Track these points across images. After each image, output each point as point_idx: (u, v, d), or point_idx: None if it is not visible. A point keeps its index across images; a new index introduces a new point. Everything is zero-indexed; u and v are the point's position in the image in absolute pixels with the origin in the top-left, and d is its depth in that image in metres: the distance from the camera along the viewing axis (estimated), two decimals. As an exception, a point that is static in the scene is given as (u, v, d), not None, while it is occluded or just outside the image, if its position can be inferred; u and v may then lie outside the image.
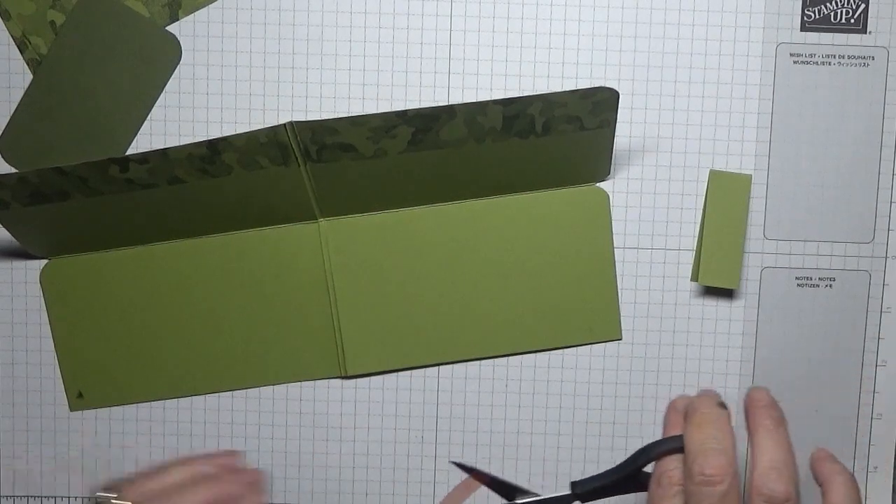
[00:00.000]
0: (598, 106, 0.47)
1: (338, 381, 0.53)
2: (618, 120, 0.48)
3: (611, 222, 0.52)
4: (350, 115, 0.47)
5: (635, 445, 0.51)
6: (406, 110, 0.46)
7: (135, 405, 0.53)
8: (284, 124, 0.46)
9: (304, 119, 0.47)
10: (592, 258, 0.52)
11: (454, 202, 0.51)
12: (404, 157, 0.48)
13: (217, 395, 0.53)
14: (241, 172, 0.48)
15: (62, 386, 0.53)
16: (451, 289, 0.52)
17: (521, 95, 0.48)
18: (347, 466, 0.54)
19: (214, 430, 0.54)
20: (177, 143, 0.52)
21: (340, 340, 0.52)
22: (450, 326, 0.52)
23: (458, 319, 0.52)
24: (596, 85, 0.51)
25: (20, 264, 0.53)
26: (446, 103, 0.51)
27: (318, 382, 0.53)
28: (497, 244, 0.51)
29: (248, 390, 0.53)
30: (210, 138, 0.46)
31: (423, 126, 0.47)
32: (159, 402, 0.53)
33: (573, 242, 0.52)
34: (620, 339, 0.52)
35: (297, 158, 0.48)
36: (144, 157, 0.47)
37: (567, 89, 0.48)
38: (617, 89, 0.47)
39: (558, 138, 0.48)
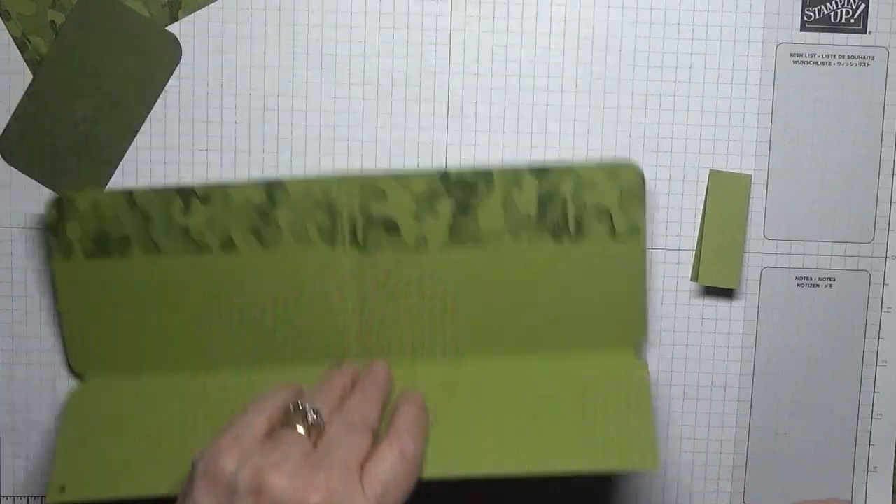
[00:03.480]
0: (626, 194, 0.49)
1: (338, 381, 0.53)
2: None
3: (653, 406, 0.48)
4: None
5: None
6: (448, 172, 0.49)
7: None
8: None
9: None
10: (631, 444, 0.47)
11: (480, 358, 0.50)
12: (444, 258, 0.49)
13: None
14: (290, 245, 0.49)
15: (62, 386, 0.53)
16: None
17: (552, 164, 0.49)
18: (347, 466, 0.53)
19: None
20: (176, 144, 0.52)
21: None
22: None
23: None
24: (595, 85, 0.51)
25: (20, 264, 0.53)
26: (446, 105, 0.52)
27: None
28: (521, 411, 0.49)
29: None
30: (267, 180, 0.47)
31: (462, 199, 0.49)
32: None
33: (609, 423, 0.48)
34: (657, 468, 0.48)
35: (343, 236, 0.49)
36: (207, 194, 0.49)
37: (592, 161, 0.51)
38: (641, 170, 0.49)
39: (591, 248, 0.49)
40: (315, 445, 0.44)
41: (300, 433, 0.44)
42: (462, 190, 0.50)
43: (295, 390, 0.48)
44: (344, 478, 0.42)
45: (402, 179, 0.49)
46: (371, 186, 0.49)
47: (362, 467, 0.43)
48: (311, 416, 0.44)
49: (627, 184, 0.49)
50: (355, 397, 0.47)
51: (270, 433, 0.44)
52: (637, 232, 0.49)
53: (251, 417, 0.44)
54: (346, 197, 0.49)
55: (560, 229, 0.50)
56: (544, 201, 0.49)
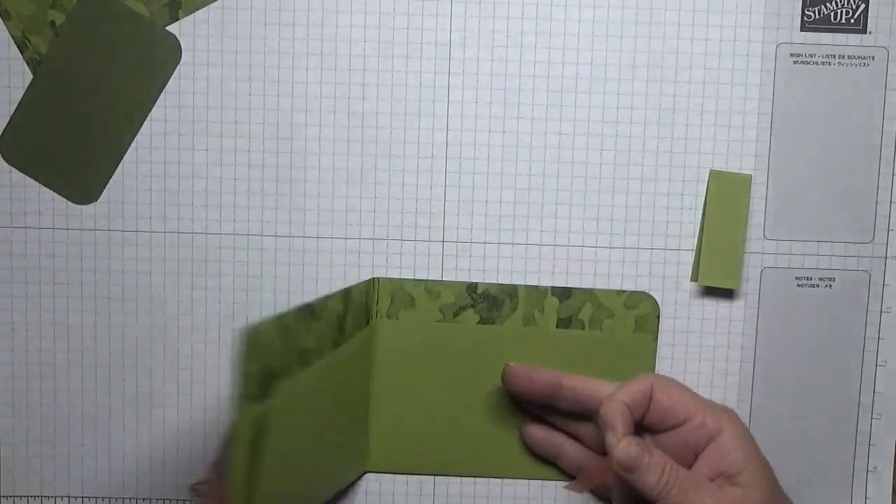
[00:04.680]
0: (640, 322, 0.52)
1: (338, 381, 0.53)
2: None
3: None
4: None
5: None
6: (475, 284, 0.52)
7: (134, 401, 0.53)
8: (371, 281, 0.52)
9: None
10: None
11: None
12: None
13: (216, 396, 0.53)
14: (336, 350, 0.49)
15: (62, 385, 0.53)
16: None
17: (574, 288, 0.52)
18: (347, 466, 0.54)
19: (214, 430, 0.54)
20: (176, 144, 0.52)
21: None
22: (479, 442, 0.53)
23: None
24: (595, 86, 0.51)
25: (20, 264, 0.53)
26: (446, 105, 0.52)
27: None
28: None
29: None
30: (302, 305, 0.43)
31: (486, 313, 0.52)
32: (160, 401, 0.53)
33: None
34: None
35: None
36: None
37: (612, 290, 0.52)
38: (657, 301, 0.52)
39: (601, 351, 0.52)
40: None
41: None
42: (487, 303, 0.52)
43: None
44: None
45: (430, 287, 0.52)
46: (400, 288, 0.52)
47: None
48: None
49: (643, 314, 0.52)
50: None
51: None
52: (647, 355, 0.52)
53: None
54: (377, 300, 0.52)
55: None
56: (563, 322, 0.52)
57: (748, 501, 0.45)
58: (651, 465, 0.45)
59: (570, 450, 0.51)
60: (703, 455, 0.47)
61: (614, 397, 0.47)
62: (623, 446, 0.45)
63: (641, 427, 0.48)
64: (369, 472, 0.53)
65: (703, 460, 0.47)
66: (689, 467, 0.47)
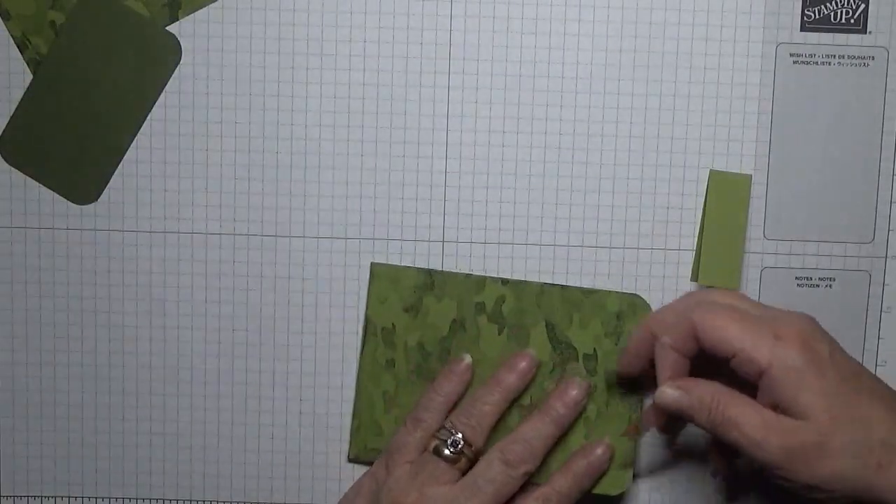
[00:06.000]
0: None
1: (338, 381, 0.53)
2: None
3: None
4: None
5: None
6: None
7: (134, 401, 0.53)
8: None
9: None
10: None
11: None
12: None
13: (216, 396, 0.53)
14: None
15: (62, 385, 0.53)
16: None
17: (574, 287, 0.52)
18: (347, 467, 0.54)
19: (214, 430, 0.54)
20: (177, 144, 0.52)
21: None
22: None
23: None
24: (595, 85, 0.51)
25: (20, 264, 0.53)
26: (446, 105, 0.52)
27: (318, 381, 0.53)
28: None
29: (248, 389, 0.53)
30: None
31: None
32: (160, 401, 0.53)
33: None
34: None
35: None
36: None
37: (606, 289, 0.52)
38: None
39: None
40: (462, 470, 0.48)
41: (445, 465, 0.48)
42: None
43: (448, 404, 0.50)
44: None
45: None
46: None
47: None
48: (459, 443, 0.48)
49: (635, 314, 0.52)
50: (526, 433, 0.49)
51: (423, 449, 0.49)
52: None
53: (406, 437, 0.49)
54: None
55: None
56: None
57: (800, 434, 0.43)
58: (694, 405, 0.45)
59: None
60: (759, 388, 0.44)
61: (661, 341, 0.46)
62: (658, 393, 0.46)
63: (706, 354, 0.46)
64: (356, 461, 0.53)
65: (760, 392, 0.44)
66: (756, 395, 0.45)
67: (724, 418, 0.44)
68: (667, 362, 0.46)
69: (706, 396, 0.45)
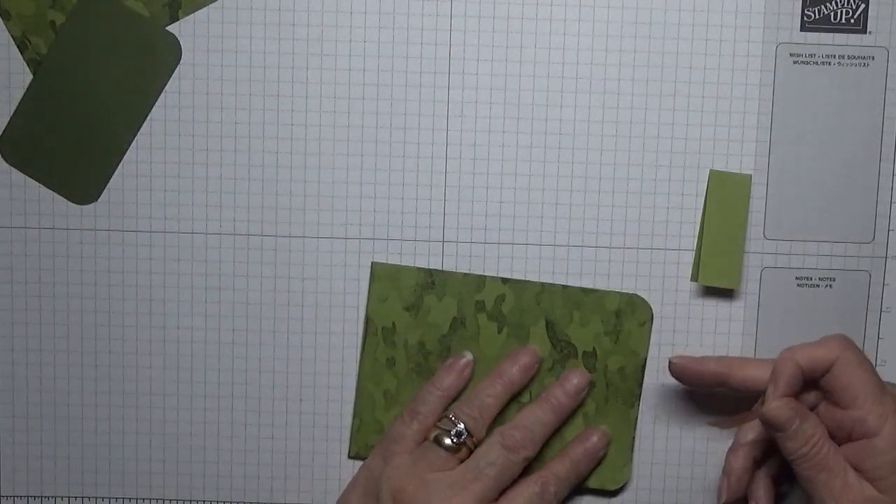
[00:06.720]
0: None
1: (338, 381, 0.53)
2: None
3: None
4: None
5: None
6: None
7: (134, 401, 0.53)
8: None
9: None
10: None
11: None
12: None
13: (216, 396, 0.53)
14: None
15: (62, 385, 0.53)
16: None
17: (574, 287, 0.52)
18: (347, 466, 0.54)
19: (214, 430, 0.54)
20: (177, 144, 0.52)
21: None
22: None
23: None
24: (595, 86, 0.51)
25: (20, 264, 0.53)
26: (446, 105, 0.52)
27: (318, 381, 0.53)
28: None
29: (248, 389, 0.53)
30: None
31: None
32: (160, 401, 0.53)
33: None
34: None
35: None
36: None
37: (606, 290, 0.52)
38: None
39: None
40: (461, 460, 0.48)
41: (445, 454, 0.48)
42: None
43: (446, 399, 0.51)
44: None
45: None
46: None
47: (500, 495, 0.48)
48: (462, 434, 0.49)
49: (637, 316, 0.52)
50: (526, 419, 0.49)
51: (421, 441, 0.49)
52: (640, 347, 0.52)
53: (403, 429, 0.49)
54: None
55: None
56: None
57: None
58: (798, 432, 0.45)
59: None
60: (854, 444, 0.46)
61: (792, 356, 0.46)
62: (775, 406, 0.45)
63: (817, 385, 0.47)
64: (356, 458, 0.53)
65: (851, 447, 0.46)
66: (840, 444, 0.46)
67: (820, 458, 0.45)
68: (784, 377, 0.46)
69: (813, 431, 0.45)
